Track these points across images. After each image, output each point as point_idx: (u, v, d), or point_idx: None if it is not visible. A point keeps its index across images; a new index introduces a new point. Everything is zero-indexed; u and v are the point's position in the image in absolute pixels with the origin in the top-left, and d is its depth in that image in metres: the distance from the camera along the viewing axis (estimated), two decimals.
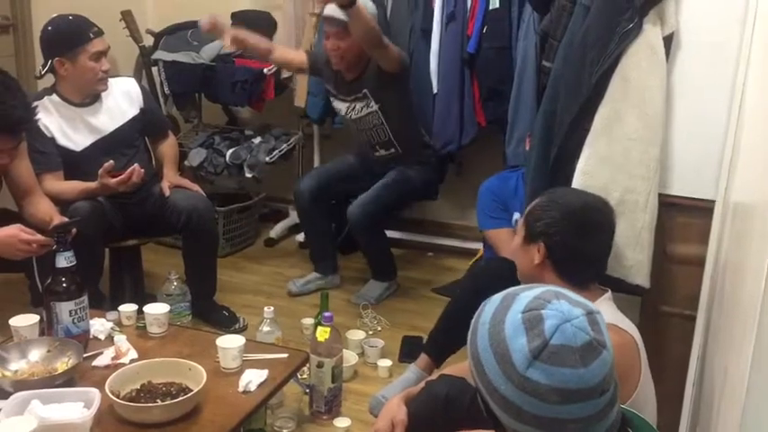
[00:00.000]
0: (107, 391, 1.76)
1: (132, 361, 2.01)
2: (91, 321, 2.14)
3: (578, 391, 1.00)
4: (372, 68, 3.03)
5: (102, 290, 2.86)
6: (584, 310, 1.05)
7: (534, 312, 1.03)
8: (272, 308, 2.49)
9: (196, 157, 3.66)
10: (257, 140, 3.71)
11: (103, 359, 2.03)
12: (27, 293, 2.59)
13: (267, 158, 3.60)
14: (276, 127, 3.84)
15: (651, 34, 1.87)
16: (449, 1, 3.21)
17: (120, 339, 2.10)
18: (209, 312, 2.94)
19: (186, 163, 3.62)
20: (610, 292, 1.75)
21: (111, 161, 2.60)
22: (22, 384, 1.81)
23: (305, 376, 2.40)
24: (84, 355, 1.98)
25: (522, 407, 1.02)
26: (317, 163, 3.80)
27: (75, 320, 2.04)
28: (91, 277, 2.52)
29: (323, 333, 2.28)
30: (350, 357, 2.63)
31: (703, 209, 1.96)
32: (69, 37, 2.68)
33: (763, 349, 1.16)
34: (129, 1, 3.87)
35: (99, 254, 2.73)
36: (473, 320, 1.11)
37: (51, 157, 2.68)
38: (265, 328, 2.45)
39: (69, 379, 1.88)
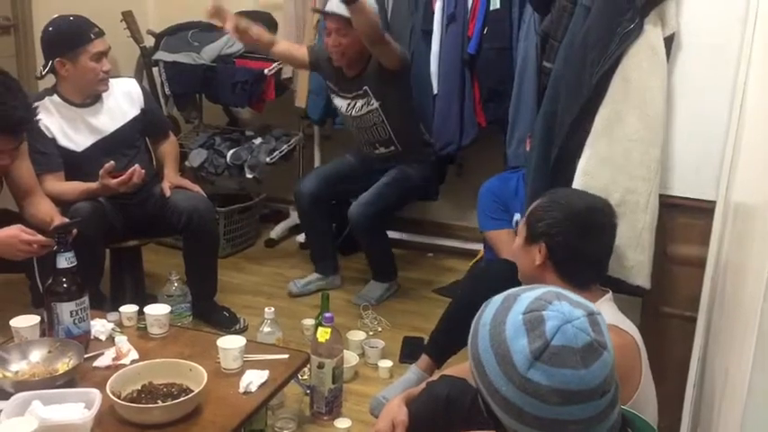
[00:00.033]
0: (108, 391, 1.76)
1: (133, 362, 2.01)
2: (92, 322, 2.14)
3: (579, 393, 1.00)
4: (373, 66, 3.03)
5: (103, 290, 2.86)
6: (585, 311, 1.05)
7: (535, 313, 1.03)
8: (272, 308, 2.49)
9: (197, 157, 3.67)
10: (258, 141, 3.71)
11: (104, 360, 2.03)
12: (28, 294, 2.59)
13: (268, 159, 3.60)
14: (277, 128, 3.84)
15: (652, 35, 1.87)
16: (449, 2, 3.21)
17: (121, 340, 2.10)
18: (210, 313, 2.94)
19: (187, 163, 3.63)
20: (611, 292, 1.75)
21: (112, 162, 2.60)
22: (22, 385, 1.81)
23: (305, 377, 2.40)
24: (85, 356, 1.98)
25: (523, 408, 1.02)
26: (317, 164, 3.80)
27: (76, 321, 2.04)
28: (92, 278, 2.52)
29: (323, 334, 2.28)
30: (350, 358, 2.63)
31: (704, 210, 1.95)
32: (70, 37, 2.68)
33: (765, 350, 1.16)
34: (130, 1, 3.87)
35: (100, 254, 2.73)
36: (474, 321, 1.11)
37: (52, 157, 2.68)
38: (266, 329, 2.45)
39: (70, 380, 1.88)
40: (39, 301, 2.28)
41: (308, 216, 3.33)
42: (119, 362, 2.02)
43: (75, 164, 2.72)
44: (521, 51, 3.04)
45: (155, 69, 3.82)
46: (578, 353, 1.00)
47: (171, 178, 2.93)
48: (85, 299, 2.06)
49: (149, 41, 3.88)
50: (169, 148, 3.07)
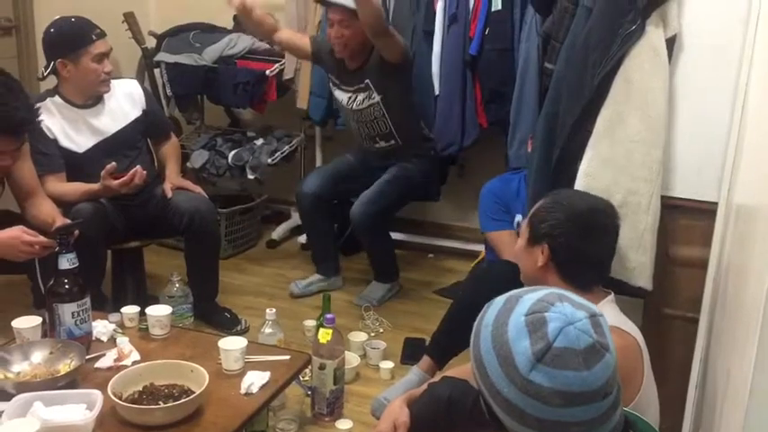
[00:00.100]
0: (109, 392, 1.76)
1: (134, 363, 2.01)
2: (93, 323, 2.14)
3: (581, 394, 1.00)
4: (375, 58, 3.02)
5: (105, 291, 2.86)
6: (587, 313, 1.05)
7: (537, 315, 1.03)
8: (273, 309, 2.49)
9: (198, 158, 3.67)
10: (259, 142, 3.71)
11: (106, 361, 2.03)
12: (29, 295, 2.59)
13: (269, 160, 3.60)
14: (278, 128, 3.84)
15: (654, 36, 1.87)
16: (451, 3, 3.21)
17: (123, 341, 2.10)
18: (211, 314, 2.94)
19: (188, 165, 3.63)
20: (613, 294, 1.75)
21: (114, 163, 2.60)
22: (24, 386, 1.81)
23: (307, 378, 2.40)
24: (87, 357, 1.98)
25: (525, 410, 1.02)
26: (319, 165, 3.80)
27: (78, 322, 2.04)
28: (93, 279, 2.52)
29: (325, 335, 2.28)
30: (352, 359, 2.63)
31: (706, 211, 1.95)
32: (72, 39, 2.68)
33: (766, 351, 1.16)
34: (131, 3, 3.88)
35: (101, 255, 2.73)
36: (476, 323, 1.11)
37: (54, 158, 2.68)
38: (267, 330, 2.45)
39: (72, 381, 1.88)
40: (40, 302, 2.28)
41: (309, 217, 3.32)
42: (120, 363, 2.02)
43: (77, 165, 2.72)
44: (522, 52, 3.04)
45: (156, 70, 3.82)
46: (580, 354, 1.00)
47: (172, 179, 2.93)
48: (87, 300, 2.07)
49: (151, 43, 3.89)
50: (171, 149, 3.07)
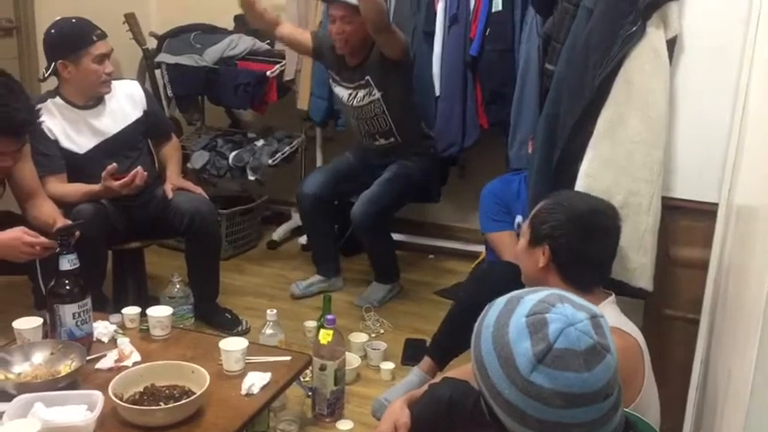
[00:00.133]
0: (110, 393, 1.76)
1: (135, 364, 2.01)
2: (94, 324, 2.14)
3: (582, 396, 1.00)
4: (376, 55, 3.02)
5: (106, 292, 2.86)
6: (588, 314, 1.05)
7: (538, 316, 1.03)
8: (274, 310, 2.49)
9: (199, 159, 3.67)
10: (260, 143, 3.72)
11: (106, 362, 2.03)
12: (30, 296, 2.59)
13: (270, 161, 3.60)
14: (279, 129, 3.84)
15: (654, 37, 1.87)
16: (451, 3, 3.21)
17: (124, 342, 2.10)
18: (212, 315, 2.94)
19: (189, 165, 3.63)
20: (613, 295, 1.75)
21: (115, 164, 2.60)
22: (25, 387, 1.81)
23: (307, 379, 2.40)
24: (88, 358, 1.98)
25: (526, 411, 1.02)
26: (319, 165, 3.80)
27: (79, 323, 2.04)
28: (94, 280, 2.52)
29: (325, 336, 2.28)
30: (352, 360, 2.63)
31: (706, 212, 1.95)
32: (72, 40, 2.69)
33: (767, 352, 1.16)
34: (132, 4, 3.88)
35: (102, 256, 2.73)
36: (477, 324, 1.11)
37: (55, 159, 2.68)
38: (268, 331, 2.45)
39: (72, 382, 1.88)
40: (41, 302, 2.28)
41: (309, 218, 3.32)
42: (121, 364, 2.02)
43: (78, 166, 2.72)
44: (523, 53, 3.04)
45: (157, 71, 3.83)
46: (581, 356, 1.00)
47: (173, 180, 2.93)
48: (88, 301, 2.07)
49: (152, 43, 3.89)
50: (171, 150, 3.07)
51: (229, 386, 1.96)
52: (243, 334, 2.79)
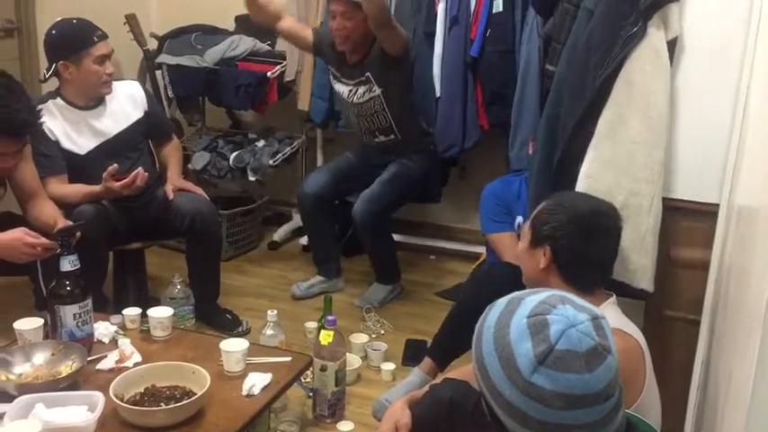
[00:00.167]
0: (111, 394, 1.76)
1: (136, 364, 2.02)
2: (95, 325, 2.14)
3: (583, 397, 1.00)
4: (376, 51, 3.02)
5: (106, 293, 2.86)
6: (589, 315, 1.05)
7: (539, 317, 1.03)
8: (275, 311, 2.49)
9: (200, 160, 3.67)
10: (261, 144, 3.72)
11: (107, 362, 2.03)
12: (31, 297, 2.59)
13: (270, 162, 3.60)
14: (279, 130, 3.84)
15: (655, 38, 1.87)
16: (452, 4, 3.21)
17: (124, 343, 2.10)
18: (213, 316, 2.94)
19: (190, 166, 3.63)
20: (615, 296, 1.74)
21: (116, 165, 2.60)
22: (26, 388, 1.81)
23: (308, 380, 2.40)
24: (88, 359, 1.99)
25: (527, 412, 1.02)
26: (319, 166, 3.80)
27: (80, 324, 2.04)
28: (95, 280, 2.53)
29: (326, 336, 2.28)
30: (353, 361, 2.63)
31: (707, 213, 1.95)
32: (73, 40, 2.69)
33: None
34: (133, 4, 3.88)
35: (103, 257, 2.73)
36: (478, 324, 1.11)
37: (56, 160, 2.68)
38: (269, 332, 2.45)
39: (73, 382, 1.88)
40: (42, 303, 2.28)
41: (310, 218, 3.32)
42: (122, 364, 2.02)
43: (79, 167, 2.72)
44: (523, 54, 3.04)
45: (158, 72, 3.83)
46: (582, 357, 1.00)
47: (174, 181, 2.93)
48: (89, 301, 2.07)
49: (152, 44, 3.89)
50: (172, 150, 3.07)
51: (230, 387, 1.96)
52: (243, 335, 2.79)
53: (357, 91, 3.12)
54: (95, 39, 2.69)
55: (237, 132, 3.94)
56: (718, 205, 1.92)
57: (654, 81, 1.89)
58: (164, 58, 3.77)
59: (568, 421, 1.01)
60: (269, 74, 3.59)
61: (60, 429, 1.67)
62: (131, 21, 3.77)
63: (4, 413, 1.68)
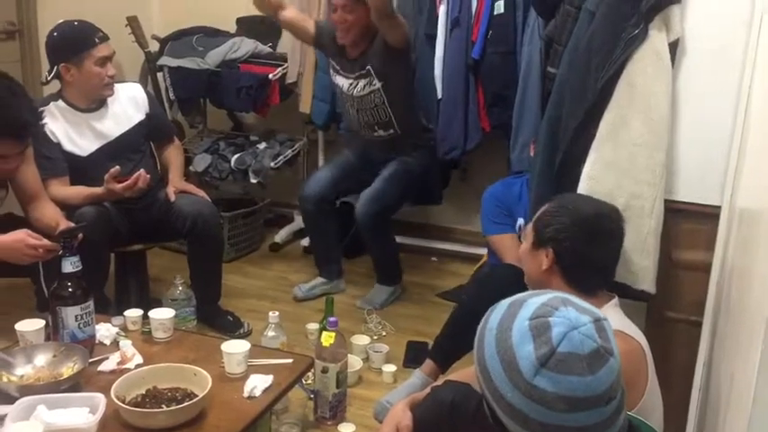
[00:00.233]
0: (112, 396, 1.76)
1: (137, 366, 2.01)
2: (96, 326, 2.14)
3: (585, 399, 1.00)
4: (378, 45, 3.02)
5: (108, 295, 2.86)
6: (591, 318, 1.04)
7: (541, 319, 1.03)
8: (276, 313, 2.49)
9: (201, 162, 3.67)
10: (262, 146, 3.72)
11: (109, 364, 2.03)
12: (33, 298, 2.59)
13: (272, 164, 3.61)
14: (281, 132, 3.85)
15: (656, 40, 1.87)
16: (453, 6, 3.22)
17: (126, 344, 2.10)
18: (214, 317, 2.94)
19: (191, 168, 3.64)
20: (617, 298, 1.74)
21: (117, 167, 2.61)
22: (27, 389, 1.81)
23: (309, 381, 2.40)
24: (90, 360, 1.98)
25: (529, 414, 1.02)
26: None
27: (81, 325, 2.04)
28: (96, 282, 2.53)
29: (328, 338, 2.28)
30: (354, 362, 2.62)
31: (709, 215, 1.95)
32: (74, 42, 2.69)
33: None
34: (134, 7, 3.89)
35: (105, 259, 2.74)
36: (480, 326, 1.11)
37: (57, 162, 2.68)
38: (270, 333, 2.45)
39: (75, 384, 1.88)
40: (44, 305, 2.29)
41: (312, 220, 3.33)
42: (123, 366, 2.02)
43: (81, 168, 2.72)
44: (525, 56, 3.04)
45: (159, 74, 3.83)
46: (585, 359, 1.00)
47: (176, 183, 2.93)
48: (90, 303, 2.06)
49: (154, 46, 3.90)
50: (174, 152, 3.08)
51: (231, 389, 1.96)
52: (245, 336, 2.79)
53: (357, 84, 3.11)
54: (96, 40, 2.70)
55: (239, 134, 3.94)
56: (719, 207, 1.91)
57: (655, 83, 1.89)
58: (165, 61, 3.77)
59: (570, 423, 1.01)
60: (270, 76, 3.59)
61: (62, 431, 1.67)
62: (133, 23, 3.77)
63: (6, 415, 1.68)
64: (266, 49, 3.77)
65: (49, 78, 2.77)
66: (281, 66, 3.63)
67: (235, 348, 2.05)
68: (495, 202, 2.77)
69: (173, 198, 2.85)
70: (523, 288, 1.67)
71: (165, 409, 1.78)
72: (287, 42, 3.69)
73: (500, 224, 2.73)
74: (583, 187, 1.94)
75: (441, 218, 3.87)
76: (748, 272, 1.50)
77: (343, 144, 3.71)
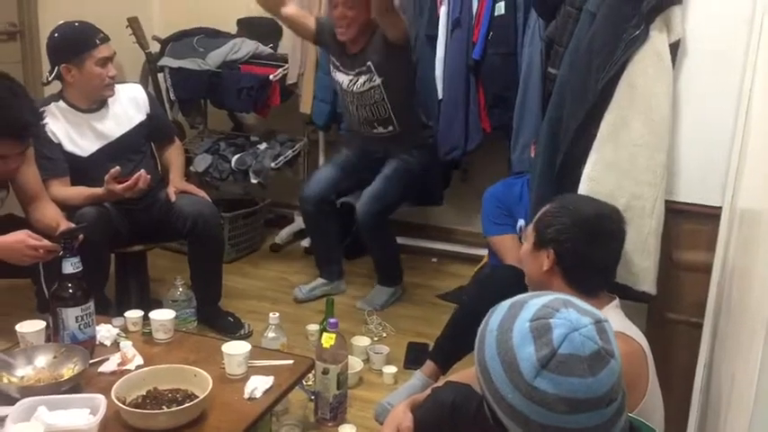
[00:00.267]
0: (113, 397, 1.76)
1: (138, 367, 2.01)
2: (97, 327, 2.14)
3: (586, 401, 1.00)
4: (377, 41, 3.02)
5: (108, 295, 2.86)
6: (592, 319, 1.04)
7: (542, 321, 1.03)
8: (277, 314, 2.49)
9: (201, 162, 3.68)
10: (263, 146, 3.72)
11: (109, 365, 2.03)
12: (33, 299, 2.59)
13: (272, 164, 3.61)
14: (281, 133, 3.85)
15: (657, 41, 1.87)
16: (454, 7, 3.22)
17: (126, 345, 2.10)
18: (215, 318, 2.94)
19: (192, 169, 3.64)
20: (617, 299, 1.74)
21: (118, 167, 2.61)
22: (28, 390, 1.80)
23: (310, 383, 2.40)
24: (90, 362, 1.98)
25: (530, 416, 1.02)
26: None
27: (82, 326, 2.04)
28: (97, 283, 2.53)
29: (328, 339, 2.28)
30: (355, 364, 2.62)
31: (710, 215, 1.95)
32: (75, 43, 2.69)
33: None
34: (135, 7, 3.89)
35: (105, 259, 2.74)
36: (480, 328, 1.11)
37: (58, 163, 2.69)
38: (270, 335, 2.45)
39: (75, 385, 1.88)
40: (44, 306, 2.29)
41: (312, 220, 3.32)
42: (124, 367, 2.02)
43: (81, 169, 2.72)
44: (525, 57, 3.04)
45: (160, 75, 3.84)
46: (585, 361, 1.00)
47: (176, 183, 2.93)
48: (91, 304, 2.06)
49: (155, 47, 3.90)
50: (174, 153, 3.08)
51: (232, 390, 1.96)
52: (245, 337, 2.79)
53: (357, 81, 3.11)
54: (97, 41, 2.70)
55: (239, 135, 3.94)
56: (720, 208, 1.91)
57: (656, 84, 1.89)
58: (166, 61, 3.78)
59: (571, 425, 1.01)
60: (271, 77, 3.60)
61: None
62: (134, 24, 3.78)
63: (6, 416, 1.68)
64: (267, 50, 3.78)
65: (49, 79, 2.77)
66: (281, 67, 3.63)
67: (235, 349, 2.05)
68: (496, 202, 2.77)
69: (173, 198, 2.85)
70: (524, 289, 1.67)
71: (165, 410, 1.78)
72: (287, 43, 3.69)
73: (501, 225, 2.73)
74: (583, 188, 1.94)
75: (441, 218, 3.87)
76: (749, 273, 1.49)
77: (343, 144, 3.72)
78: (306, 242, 3.76)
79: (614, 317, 1.62)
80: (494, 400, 1.06)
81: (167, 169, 3.03)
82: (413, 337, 2.95)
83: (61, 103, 2.75)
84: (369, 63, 3.05)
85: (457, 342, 2.33)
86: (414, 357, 2.75)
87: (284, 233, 3.94)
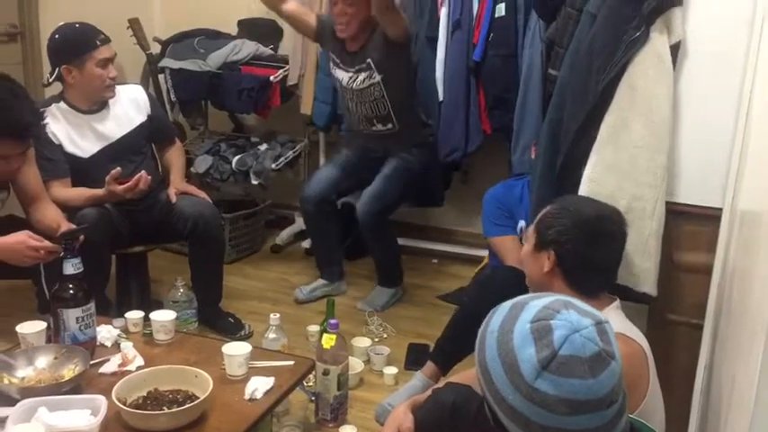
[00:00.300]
0: (114, 398, 1.76)
1: (139, 368, 2.01)
2: (98, 328, 2.14)
3: (587, 402, 1.00)
4: (377, 38, 3.02)
5: (109, 296, 2.86)
6: (593, 321, 1.04)
7: (543, 322, 1.03)
8: (277, 315, 2.49)
9: (202, 163, 3.68)
10: (263, 147, 3.72)
11: (110, 366, 2.03)
12: (34, 300, 2.59)
13: (273, 165, 3.61)
14: (282, 134, 3.85)
15: (658, 43, 1.87)
16: (455, 9, 3.22)
17: (127, 346, 2.10)
18: (215, 319, 2.94)
19: (192, 170, 3.64)
20: (618, 300, 1.74)
21: (119, 168, 2.61)
22: (28, 391, 1.80)
23: (311, 384, 2.40)
24: (91, 362, 1.98)
25: (531, 417, 1.02)
26: None
27: (82, 327, 2.04)
28: (98, 284, 2.53)
29: (328, 340, 2.28)
30: (356, 365, 2.62)
31: (710, 217, 1.95)
32: (76, 44, 2.69)
33: None
34: (136, 9, 3.89)
35: (106, 260, 2.74)
36: (481, 329, 1.11)
37: (59, 164, 2.69)
38: (271, 335, 2.45)
39: (76, 386, 1.88)
40: (45, 307, 2.29)
41: (313, 221, 3.33)
42: (124, 368, 2.02)
43: (82, 170, 2.73)
44: (526, 58, 3.04)
45: (161, 76, 3.84)
46: (586, 362, 1.00)
47: (177, 184, 2.94)
48: (91, 305, 2.07)
49: (155, 48, 3.90)
50: (175, 154, 3.08)
51: (232, 391, 1.96)
52: (246, 338, 2.79)
53: (357, 78, 3.11)
54: (98, 42, 2.70)
55: (240, 136, 3.94)
56: (721, 209, 1.91)
57: (657, 85, 1.89)
58: (167, 63, 3.78)
59: (572, 427, 1.01)
60: (272, 78, 3.60)
61: None
62: (134, 25, 3.78)
63: (7, 417, 1.68)
64: (267, 51, 3.78)
65: (50, 80, 2.77)
66: (282, 68, 3.63)
67: (236, 350, 2.05)
68: (497, 203, 2.77)
69: (174, 199, 2.85)
70: (525, 290, 1.67)
71: (166, 411, 1.78)
72: (288, 44, 3.69)
73: (501, 226, 2.73)
74: (584, 189, 1.94)
75: (442, 220, 3.87)
76: (749, 274, 1.50)
77: (343, 145, 3.72)
78: (306, 243, 3.76)
79: (615, 318, 1.62)
80: (494, 402, 1.06)
81: (168, 170, 3.03)
82: (413, 338, 2.95)
83: (62, 104, 2.75)
84: (369, 60, 3.05)
85: (457, 343, 2.33)
86: (414, 358, 2.75)
87: (285, 234, 3.94)
